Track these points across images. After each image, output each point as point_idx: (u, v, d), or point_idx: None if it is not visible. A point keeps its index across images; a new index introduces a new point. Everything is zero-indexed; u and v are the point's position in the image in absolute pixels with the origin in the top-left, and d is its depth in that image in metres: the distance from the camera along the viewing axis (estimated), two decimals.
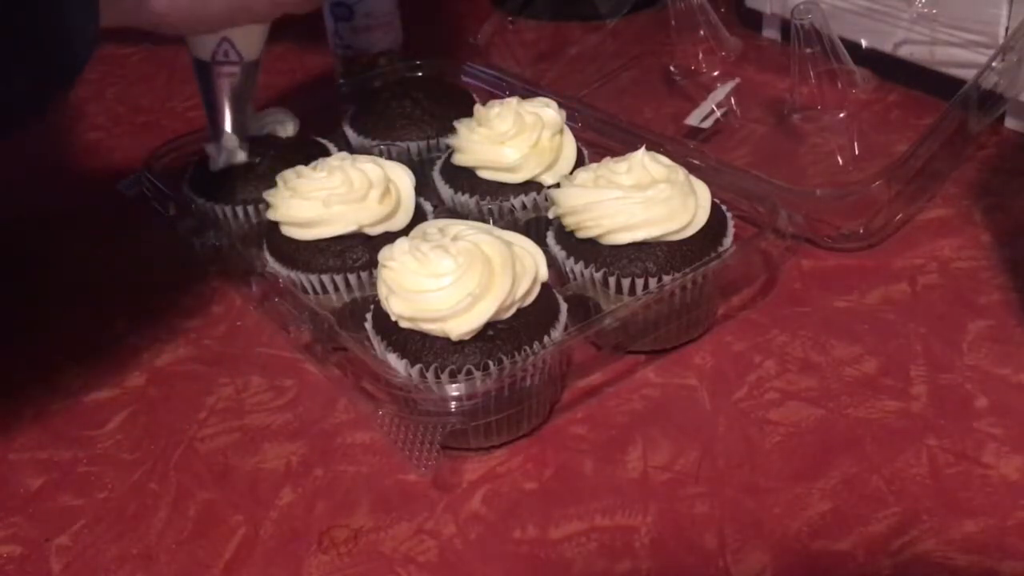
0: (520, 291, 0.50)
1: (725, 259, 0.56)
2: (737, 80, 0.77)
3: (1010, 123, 0.73)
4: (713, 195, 0.58)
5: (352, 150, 0.68)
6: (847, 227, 0.64)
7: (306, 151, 0.67)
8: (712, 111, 0.75)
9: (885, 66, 0.77)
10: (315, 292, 0.58)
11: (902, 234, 0.65)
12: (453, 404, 0.48)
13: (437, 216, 0.62)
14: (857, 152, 0.71)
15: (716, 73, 0.81)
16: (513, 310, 0.50)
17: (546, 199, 0.62)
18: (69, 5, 0.47)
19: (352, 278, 0.58)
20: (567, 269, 0.57)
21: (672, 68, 0.83)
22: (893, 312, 0.59)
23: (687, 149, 0.69)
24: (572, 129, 0.66)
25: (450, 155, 0.66)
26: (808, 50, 0.70)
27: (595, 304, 0.56)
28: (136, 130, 0.89)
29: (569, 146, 0.64)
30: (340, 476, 0.52)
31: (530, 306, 0.51)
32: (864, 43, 0.76)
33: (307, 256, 0.58)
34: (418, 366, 0.50)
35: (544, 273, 0.52)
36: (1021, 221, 0.65)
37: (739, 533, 0.46)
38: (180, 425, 0.56)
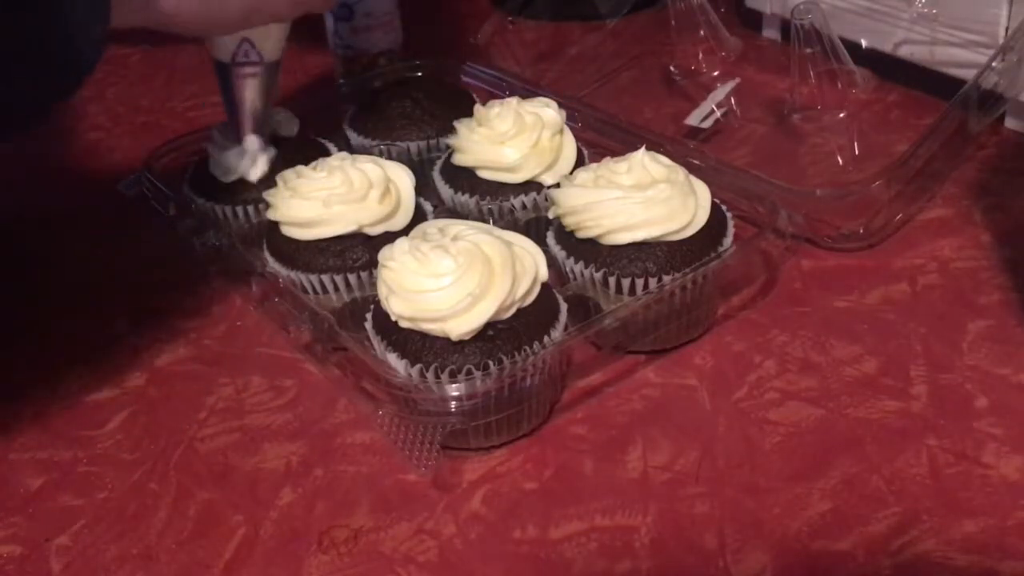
0: (520, 291, 0.50)
1: (725, 259, 0.56)
2: (737, 80, 0.77)
3: (1010, 123, 0.73)
4: (713, 195, 0.58)
5: (352, 150, 0.68)
6: (847, 227, 0.64)
7: (306, 151, 0.67)
8: (712, 111, 0.75)
9: (885, 66, 0.77)
10: (315, 292, 0.58)
11: (902, 234, 0.65)
12: (453, 404, 0.48)
13: (437, 216, 0.62)
14: (857, 152, 0.71)
15: (716, 73, 0.81)
16: (513, 310, 0.50)
17: (546, 199, 0.62)
18: (76, 5, 0.47)
19: (352, 278, 0.58)
20: (567, 269, 0.57)
21: (672, 68, 0.83)
22: (893, 312, 0.59)
23: (687, 149, 0.69)
24: (572, 129, 0.66)
25: (450, 155, 0.66)
26: (808, 50, 0.70)
27: (595, 304, 0.56)
28: (136, 130, 0.89)
29: (569, 146, 0.64)
30: (340, 476, 0.52)
31: (530, 306, 0.51)
32: (864, 43, 0.76)
33: (307, 256, 0.58)
34: (418, 366, 0.50)
35: (544, 273, 0.52)
36: (1021, 221, 0.65)
37: (739, 533, 0.46)
38: (180, 425, 0.56)
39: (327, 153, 0.69)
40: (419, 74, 0.81)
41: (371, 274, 0.57)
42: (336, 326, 0.54)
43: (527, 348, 0.50)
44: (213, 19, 0.56)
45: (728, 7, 0.92)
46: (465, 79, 0.82)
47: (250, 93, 0.65)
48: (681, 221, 0.55)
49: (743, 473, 0.49)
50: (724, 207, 0.59)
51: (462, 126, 0.64)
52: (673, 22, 0.81)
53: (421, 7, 0.97)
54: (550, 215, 0.58)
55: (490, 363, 0.49)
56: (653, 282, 0.54)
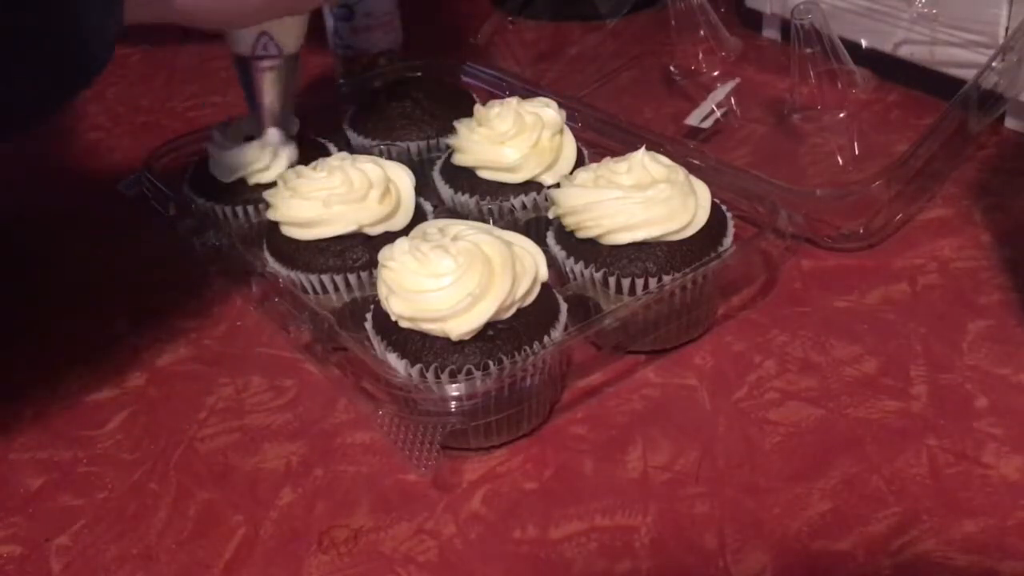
0: (520, 291, 0.50)
1: (725, 259, 0.56)
2: (737, 80, 0.77)
3: (1010, 123, 0.73)
4: (713, 195, 0.58)
5: (352, 150, 0.68)
6: (847, 227, 0.64)
7: (306, 151, 0.67)
8: (712, 111, 0.75)
9: (885, 66, 0.77)
10: (315, 292, 0.58)
11: (902, 234, 0.65)
12: (453, 404, 0.48)
13: (437, 216, 0.62)
14: (857, 152, 0.71)
15: (716, 73, 0.81)
16: (513, 310, 0.50)
17: (546, 199, 0.62)
18: (86, 4, 0.46)
19: (352, 278, 0.58)
20: (567, 269, 0.57)
21: (672, 68, 0.83)
22: (893, 312, 0.59)
23: (687, 149, 0.69)
24: (572, 129, 0.66)
25: (450, 155, 0.66)
26: (808, 50, 0.70)
27: (595, 304, 0.56)
28: (136, 130, 0.89)
29: (569, 146, 0.64)
30: (340, 476, 0.52)
31: (530, 306, 0.51)
32: (864, 43, 0.76)
33: (307, 256, 0.58)
34: (418, 366, 0.50)
35: (544, 273, 0.52)
36: (1021, 221, 0.65)
37: (739, 533, 0.46)
38: (180, 425, 0.56)
39: (327, 153, 0.69)
40: (419, 74, 0.81)
41: (371, 274, 0.57)
42: (336, 326, 0.54)
43: (527, 348, 0.50)
44: (231, 13, 0.56)
45: (728, 7, 0.92)
46: (465, 79, 0.82)
47: (270, 86, 0.65)
48: (681, 221, 0.55)
49: (743, 473, 0.49)
50: (724, 207, 0.59)
51: (462, 126, 0.64)
52: (673, 22, 0.81)
53: (421, 7, 0.97)
54: (550, 215, 0.58)
55: (490, 363, 0.49)
56: (653, 282, 0.54)
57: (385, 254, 0.51)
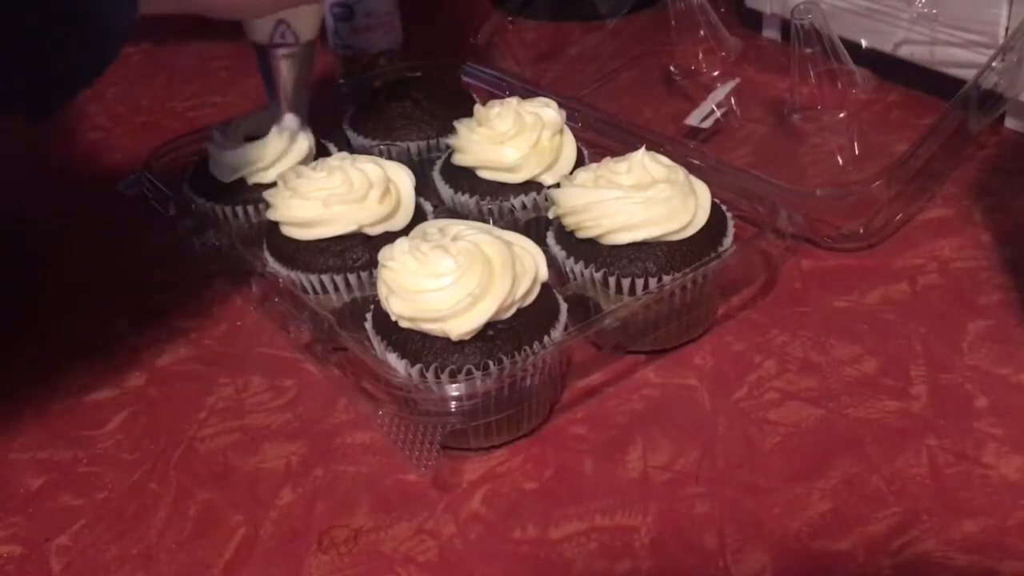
0: (520, 291, 0.50)
1: (725, 259, 0.56)
2: (737, 80, 0.77)
3: (1010, 123, 0.73)
4: (713, 195, 0.58)
5: (352, 150, 0.68)
6: (847, 227, 0.64)
7: None
8: (712, 111, 0.75)
9: (885, 66, 0.77)
10: (315, 292, 0.58)
11: (902, 234, 0.65)
12: (453, 404, 0.48)
13: (437, 216, 0.62)
14: (857, 152, 0.71)
15: (716, 73, 0.81)
16: (513, 310, 0.50)
17: (546, 199, 0.62)
18: None
19: (352, 278, 0.58)
20: (567, 269, 0.57)
21: (672, 68, 0.83)
22: (893, 312, 0.59)
23: (687, 149, 0.69)
24: (572, 129, 0.66)
25: (450, 155, 0.66)
26: (808, 50, 0.70)
27: (595, 304, 0.56)
28: (136, 130, 0.89)
29: (569, 146, 0.64)
30: (340, 476, 0.52)
31: (530, 306, 0.51)
32: (864, 43, 0.76)
33: (307, 256, 0.58)
34: (418, 366, 0.50)
35: (544, 273, 0.52)
36: (1021, 221, 0.65)
37: (739, 533, 0.46)
38: (180, 425, 0.56)
39: (327, 153, 0.69)
40: (419, 74, 0.81)
41: (371, 274, 0.57)
42: (336, 326, 0.54)
43: (527, 348, 0.50)
44: (249, 2, 0.57)
45: (728, 7, 0.92)
46: (465, 79, 0.82)
47: (288, 73, 0.66)
48: (681, 221, 0.55)
49: (743, 473, 0.49)
50: (724, 207, 0.59)
51: (462, 126, 0.64)
52: (673, 22, 0.81)
53: (421, 7, 0.97)
54: (550, 215, 0.58)
55: (490, 363, 0.49)
56: (653, 282, 0.54)
57: (385, 254, 0.51)
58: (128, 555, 0.49)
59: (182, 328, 0.63)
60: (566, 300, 0.54)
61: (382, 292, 0.51)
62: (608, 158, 0.59)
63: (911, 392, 0.53)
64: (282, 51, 0.65)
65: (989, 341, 0.56)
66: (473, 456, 0.52)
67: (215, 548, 0.49)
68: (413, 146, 0.71)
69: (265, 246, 0.61)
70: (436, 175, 0.67)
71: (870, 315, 0.59)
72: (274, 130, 0.66)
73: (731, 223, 0.58)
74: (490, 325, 0.50)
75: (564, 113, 0.65)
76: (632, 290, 0.55)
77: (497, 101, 0.65)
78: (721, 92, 0.75)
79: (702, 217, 0.56)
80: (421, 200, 0.62)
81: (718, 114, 0.75)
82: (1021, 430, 0.50)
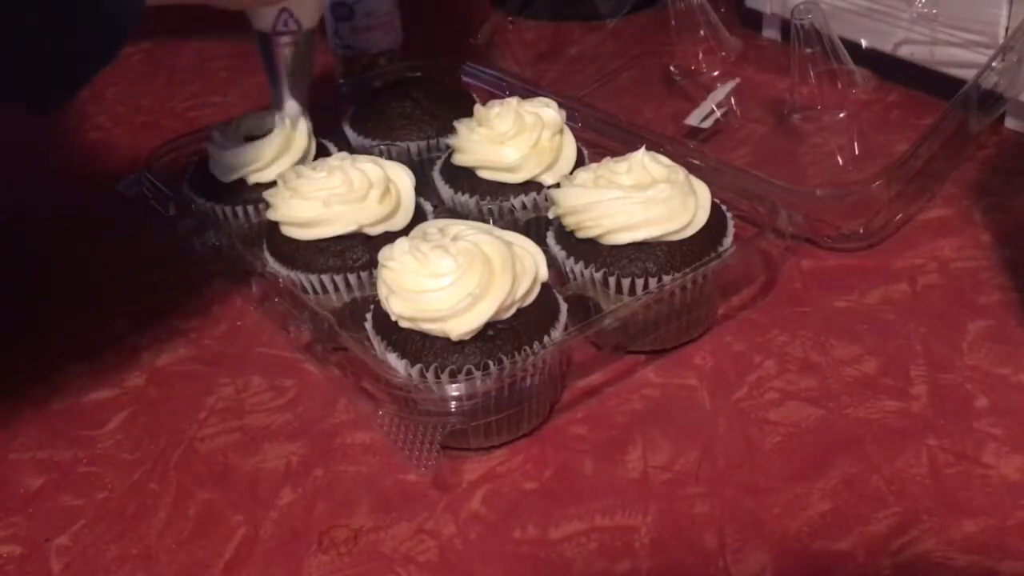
0: (520, 291, 0.50)
1: (725, 259, 0.56)
2: (737, 80, 0.77)
3: (1010, 123, 0.73)
4: (713, 195, 0.58)
5: (352, 150, 0.68)
6: (847, 227, 0.64)
7: None
8: (712, 111, 0.75)
9: (885, 66, 0.77)
10: (315, 292, 0.58)
11: (902, 234, 0.65)
12: (453, 404, 0.48)
13: (437, 216, 0.62)
14: (857, 152, 0.71)
15: (716, 73, 0.81)
16: (513, 310, 0.50)
17: (546, 199, 0.62)
18: None
19: (352, 278, 0.58)
20: (567, 269, 0.57)
21: (672, 68, 0.83)
22: (893, 312, 0.59)
23: (687, 149, 0.69)
24: (572, 129, 0.66)
25: (450, 155, 0.66)
26: (808, 50, 0.70)
27: (595, 304, 0.56)
28: (136, 130, 0.89)
29: (569, 146, 0.64)
30: (340, 476, 0.52)
31: (530, 306, 0.51)
32: (864, 43, 0.76)
33: (307, 256, 0.58)
34: (418, 366, 0.50)
35: (544, 273, 0.52)
36: (1021, 221, 0.65)
37: (739, 533, 0.46)
38: (180, 425, 0.56)
39: (327, 153, 0.69)
40: (419, 74, 0.81)
41: (371, 274, 0.57)
42: (336, 326, 0.54)
43: (527, 348, 0.50)
44: None
45: (728, 7, 0.92)
46: (465, 79, 0.82)
47: (290, 60, 0.68)
48: (681, 221, 0.55)
49: (743, 473, 0.49)
50: (724, 207, 0.59)
51: (462, 126, 0.64)
52: (673, 22, 0.81)
53: (421, 7, 0.96)
54: (550, 215, 0.58)
55: (490, 363, 0.49)
56: (653, 282, 0.54)
57: (385, 254, 0.51)
58: (128, 555, 0.49)
59: (182, 328, 0.63)
60: (566, 300, 0.54)
61: (382, 292, 0.51)
62: (608, 158, 0.59)
63: (911, 392, 0.53)
64: (284, 39, 0.67)
65: (989, 341, 0.56)
66: (473, 456, 0.52)
67: (215, 548, 0.49)
68: (413, 146, 0.71)
69: (265, 246, 0.61)
70: (436, 175, 0.67)
71: (870, 315, 0.59)
72: (276, 117, 0.67)
73: (731, 223, 0.58)
74: (490, 325, 0.50)
75: (564, 113, 0.65)
76: (632, 290, 0.55)
77: (497, 101, 0.65)
78: (721, 92, 0.75)
79: (702, 217, 0.56)
80: (421, 200, 0.62)
81: (718, 114, 0.75)
82: (1021, 430, 0.50)
